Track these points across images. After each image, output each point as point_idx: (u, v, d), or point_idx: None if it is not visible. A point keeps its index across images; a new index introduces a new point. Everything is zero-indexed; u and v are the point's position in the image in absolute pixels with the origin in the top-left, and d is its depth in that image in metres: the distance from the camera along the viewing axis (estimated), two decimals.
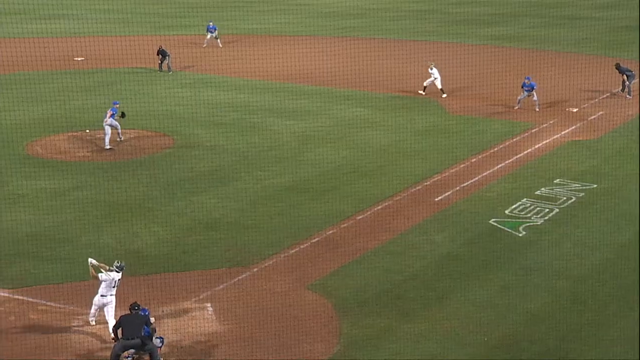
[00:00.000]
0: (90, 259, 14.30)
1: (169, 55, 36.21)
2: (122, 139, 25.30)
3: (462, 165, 23.47)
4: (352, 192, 21.22)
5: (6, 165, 23.17)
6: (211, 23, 43.64)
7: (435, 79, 32.14)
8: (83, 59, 38.81)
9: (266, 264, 16.98)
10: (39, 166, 23.14)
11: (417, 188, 21.64)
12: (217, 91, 32.49)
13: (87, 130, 26.43)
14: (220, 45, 42.78)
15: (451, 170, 23.01)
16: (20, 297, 15.30)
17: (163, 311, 14.56)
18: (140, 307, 13.40)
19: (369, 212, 19.91)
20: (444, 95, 31.97)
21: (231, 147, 25.16)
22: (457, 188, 21.59)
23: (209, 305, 15.12)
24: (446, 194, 21.18)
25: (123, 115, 25.09)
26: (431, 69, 32.32)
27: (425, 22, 51.57)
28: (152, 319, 13.61)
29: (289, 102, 30.99)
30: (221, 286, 15.91)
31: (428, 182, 22.06)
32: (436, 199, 20.82)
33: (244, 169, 23.19)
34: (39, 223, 19.04)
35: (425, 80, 32.37)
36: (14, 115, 28.30)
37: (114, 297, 14.12)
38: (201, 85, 33.74)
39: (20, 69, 36.21)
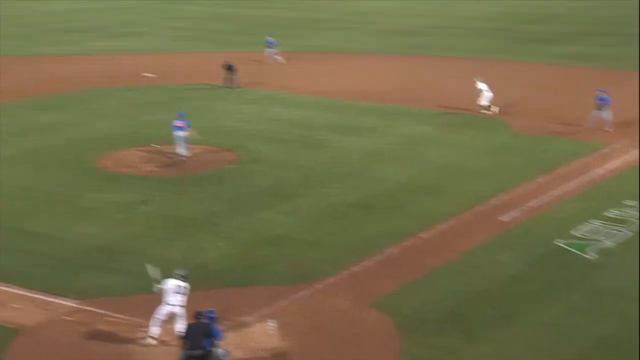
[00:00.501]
0: (148, 266, 14.53)
1: (236, 70, 36.37)
2: (185, 154, 25.53)
3: (528, 185, 23.11)
4: (416, 210, 21.09)
5: (77, 178, 23.74)
6: (270, 38, 43.60)
7: (484, 92, 31.61)
8: (152, 75, 39.58)
9: (328, 281, 16.96)
10: (108, 180, 23.64)
11: (482, 207, 21.38)
12: (282, 108, 32.74)
13: (154, 145, 26.89)
14: (282, 61, 42.65)
15: (517, 190, 22.68)
16: (89, 308, 15.60)
17: (226, 326, 14.67)
18: (205, 313, 13.40)
19: (432, 231, 19.75)
20: (491, 110, 31.43)
21: (295, 163, 25.30)
22: (523, 208, 21.27)
23: (271, 321, 15.17)
24: (511, 213, 20.88)
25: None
26: (479, 83, 31.83)
27: (494, 40, 51.09)
28: (220, 328, 13.63)
29: (353, 119, 31.01)
30: (283, 302, 15.95)
31: (493, 201, 21.78)
32: (501, 219, 20.53)
33: (307, 185, 23.27)
34: (107, 235, 19.41)
35: (483, 99, 31.86)
36: (86, 130, 29.03)
37: (183, 309, 14.24)
38: (266, 101, 34.03)
39: (92, 84, 37.12)
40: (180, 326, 14.02)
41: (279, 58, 42.94)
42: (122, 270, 17.38)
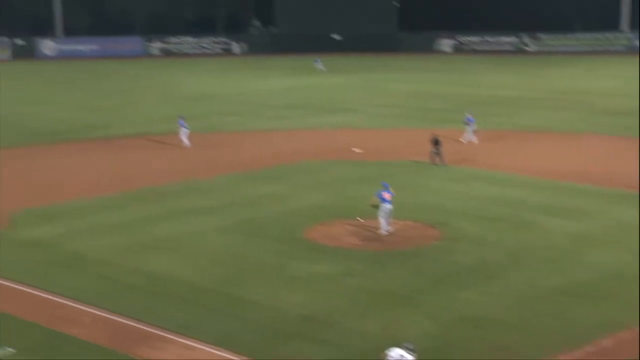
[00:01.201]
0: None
1: (441, 146, 36.29)
2: (387, 229, 25.68)
3: None
4: (633, 301, 19.70)
5: (285, 248, 24.57)
6: (469, 115, 42.87)
7: None
8: (360, 150, 40.52)
9: None
10: (314, 250, 24.25)
11: None
12: (488, 186, 32.22)
13: (360, 219, 27.33)
14: (476, 141, 41.81)
15: None
16: None
17: None
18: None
19: None
20: None
21: (500, 243, 24.66)
22: None
23: None
24: None
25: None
26: None
27: None
28: None
29: (563, 200, 29.87)
30: None
31: None
32: None
33: (512, 266, 22.55)
34: (310, 305, 19.79)
35: None
36: (297, 202, 30.13)
37: None
38: (472, 179, 33.67)
39: (303, 158, 38.62)
40: None
41: (473, 138, 42.04)
42: (321, 341, 17.56)
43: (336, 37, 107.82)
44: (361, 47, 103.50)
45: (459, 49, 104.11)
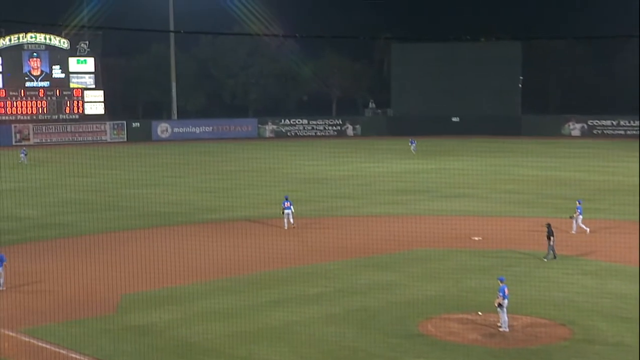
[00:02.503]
0: None
1: (552, 234, 35.08)
2: (506, 326, 24.93)
3: None
4: None
5: (399, 341, 24.15)
6: (579, 203, 41.49)
7: None
8: (479, 238, 39.85)
9: None
10: (430, 345, 23.73)
11: None
12: (624, 282, 30.84)
13: (479, 313, 26.63)
14: (587, 230, 40.32)
15: None
16: None
17: None
18: None
19: None
20: None
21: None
22: None
23: None
24: None
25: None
26: None
27: None
28: None
29: None
30: None
31: None
32: None
33: None
34: None
35: None
36: (411, 292, 29.74)
37: None
38: (605, 273, 32.38)
39: (418, 245, 38.28)
40: None
41: (583, 226, 40.55)
42: None
43: (454, 119, 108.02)
44: (481, 130, 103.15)
45: (588, 133, 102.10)
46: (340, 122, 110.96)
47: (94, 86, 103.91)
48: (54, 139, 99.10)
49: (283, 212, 43.28)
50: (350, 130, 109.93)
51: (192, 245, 39.05)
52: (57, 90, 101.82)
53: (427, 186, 59.30)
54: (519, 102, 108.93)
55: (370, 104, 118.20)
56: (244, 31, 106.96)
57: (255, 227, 43.91)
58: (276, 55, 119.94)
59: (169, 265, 35.16)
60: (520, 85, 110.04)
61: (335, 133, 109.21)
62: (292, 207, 43.23)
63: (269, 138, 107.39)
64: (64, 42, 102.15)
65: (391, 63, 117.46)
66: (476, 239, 39.85)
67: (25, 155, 78.74)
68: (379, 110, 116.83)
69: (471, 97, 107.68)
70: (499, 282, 25.46)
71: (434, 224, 44.20)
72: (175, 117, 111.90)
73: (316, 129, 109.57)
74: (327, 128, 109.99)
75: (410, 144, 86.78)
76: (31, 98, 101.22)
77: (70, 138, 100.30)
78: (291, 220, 43.08)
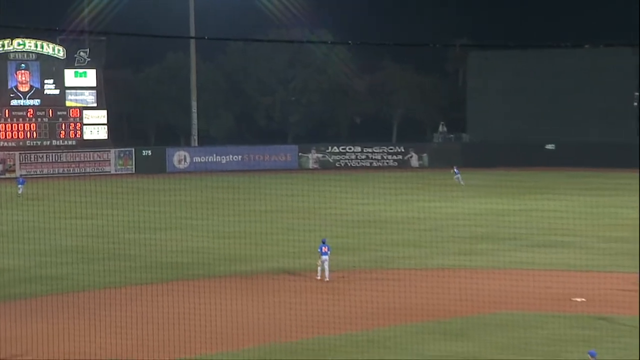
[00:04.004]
0: None
1: None
2: None
3: None
4: None
5: None
6: None
7: None
8: (582, 299, 39.42)
9: None
10: None
11: None
12: None
13: None
14: None
15: None
16: None
17: None
18: None
19: None
20: None
21: None
22: None
23: None
24: None
25: None
26: None
27: None
28: None
29: None
30: None
31: None
32: None
33: None
34: None
35: None
36: None
37: None
38: None
39: (500, 308, 37.91)
40: None
41: None
42: None
43: (549, 146, 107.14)
44: (583, 161, 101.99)
45: None
46: (403, 150, 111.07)
47: (95, 105, 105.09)
48: (45, 171, 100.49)
49: (319, 260, 43.50)
50: (414, 160, 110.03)
51: (214, 305, 39.10)
52: (50, 110, 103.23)
53: (513, 232, 58.77)
54: (636, 126, 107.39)
55: (440, 127, 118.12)
56: (283, 37, 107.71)
57: (293, 282, 43.86)
58: (323, 66, 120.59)
59: (186, 330, 35.25)
60: (635, 104, 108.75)
61: (396, 164, 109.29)
62: (329, 253, 43.49)
63: (313, 170, 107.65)
64: (59, 50, 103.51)
65: (467, 76, 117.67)
66: (577, 300, 39.40)
67: (24, 184, 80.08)
68: (452, 135, 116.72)
69: (571, 118, 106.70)
70: (589, 357, 25.23)
71: (522, 281, 43.75)
72: (196, 143, 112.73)
73: (372, 159, 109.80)
74: (385, 157, 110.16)
75: (454, 174, 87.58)
76: (17, 120, 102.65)
77: (66, 169, 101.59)
78: (326, 274, 43.19)
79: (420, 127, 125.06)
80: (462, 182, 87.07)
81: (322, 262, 43.76)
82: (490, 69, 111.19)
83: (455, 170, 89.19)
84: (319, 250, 44.14)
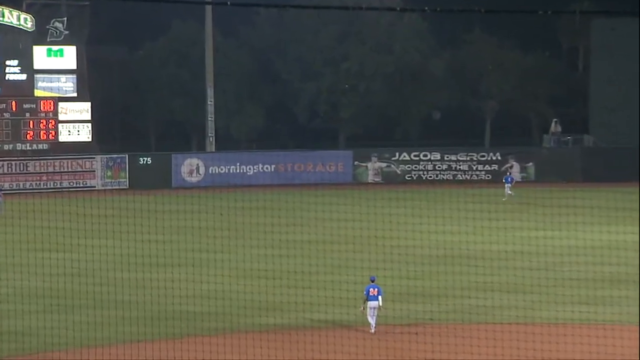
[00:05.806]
0: None
1: None
2: None
3: None
4: None
5: None
6: None
7: None
8: None
9: None
10: None
11: None
12: None
13: None
14: None
15: None
16: None
17: None
18: None
19: None
20: None
21: None
22: None
23: None
24: None
25: None
26: None
27: None
28: None
29: None
30: None
31: None
32: None
33: None
34: None
35: None
36: None
37: None
38: None
39: None
40: None
41: None
42: None
43: None
44: None
45: None
46: (499, 158, 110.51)
47: (75, 94, 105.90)
48: (5, 185, 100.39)
49: (364, 304, 43.82)
50: (516, 172, 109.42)
51: None
52: (13, 103, 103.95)
53: None
54: None
55: (553, 125, 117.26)
56: (333, 1, 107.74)
57: (345, 339, 43.94)
58: (388, 41, 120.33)
59: None
60: None
61: (490, 176, 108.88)
62: (380, 297, 43.44)
63: (373, 184, 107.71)
64: (25, 20, 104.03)
65: (591, 55, 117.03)
66: None
67: (2, 200, 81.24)
68: (569, 137, 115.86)
69: None
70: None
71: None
72: (212, 147, 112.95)
73: (456, 169, 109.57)
74: (475, 167, 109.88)
75: (504, 182, 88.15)
76: None
77: (35, 183, 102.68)
78: (372, 324, 43.57)
79: (524, 125, 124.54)
80: (510, 192, 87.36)
81: (371, 310, 43.65)
82: (622, 46, 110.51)
83: (506, 177, 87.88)
84: (365, 293, 44.02)
